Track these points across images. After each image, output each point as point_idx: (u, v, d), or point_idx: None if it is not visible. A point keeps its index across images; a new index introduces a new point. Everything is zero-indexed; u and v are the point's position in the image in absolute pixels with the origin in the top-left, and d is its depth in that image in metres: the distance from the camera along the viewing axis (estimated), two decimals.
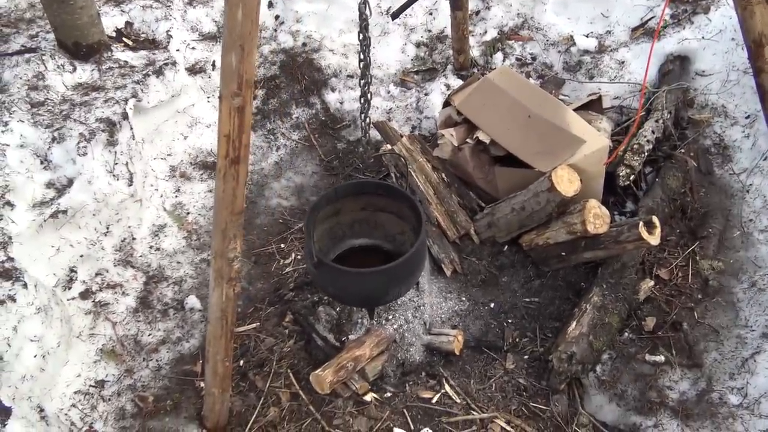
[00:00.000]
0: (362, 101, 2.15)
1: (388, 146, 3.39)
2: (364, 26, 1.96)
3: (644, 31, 3.95)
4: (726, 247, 3.05)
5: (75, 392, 2.66)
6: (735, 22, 3.56)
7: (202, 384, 2.78)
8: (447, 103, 3.55)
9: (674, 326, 2.80)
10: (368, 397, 2.75)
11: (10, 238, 2.65)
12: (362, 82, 2.12)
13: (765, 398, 2.46)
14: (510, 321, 3.01)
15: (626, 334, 2.83)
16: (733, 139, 3.43)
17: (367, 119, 2.21)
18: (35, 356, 2.46)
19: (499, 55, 4.14)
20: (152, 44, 3.94)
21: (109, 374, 2.77)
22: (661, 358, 2.71)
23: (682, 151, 3.37)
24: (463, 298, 3.09)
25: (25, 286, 2.49)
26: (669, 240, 3.11)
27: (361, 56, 2.04)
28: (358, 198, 2.76)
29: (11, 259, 2.57)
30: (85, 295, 2.95)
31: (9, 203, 2.77)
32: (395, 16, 3.48)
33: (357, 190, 2.73)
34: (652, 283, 2.92)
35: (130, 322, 2.96)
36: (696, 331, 2.77)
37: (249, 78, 1.75)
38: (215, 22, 4.30)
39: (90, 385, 2.71)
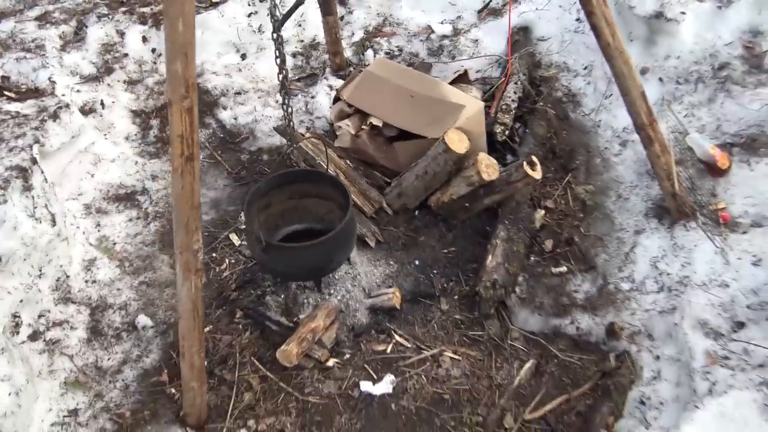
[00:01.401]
0: (282, 93, 2.45)
1: (308, 134, 3.69)
2: (277, 27, 2.28)
3: (488, 12, 4.57)
4: (592, 173, 3.65)
5: (51, 425, 2.72)
6: None
7: (173, 390, 2.95)
8: (337, 99, 3.92)
9: (568, 242, 3.34)
10: (330, 363, 3.04)
11: None
12: (280, 76, 2.43)
13: (647, 279, 3.04)
14: (435, 272, 3.42)
15: (532, 258, 3.34)
16: (578, 87, 4.07)
17: (289, 109, 2.51)
18: (9, 394, 2.51)
19: (369, 53, 4.58)
20: (36, 92, 3.98)
21: (80, 402, 2.85)
22: (564, 269, 3.24)
23: (541, 104, 3.96)
24: (391, 262, 3.46)
25: None
26: (547, 177, 3.66)
27: (277, 53, 2.35)
28: (283, 188, 3.06)
29: None
30: (34, 337, 3.00)
31: None
32: (281, 25, 3.79)
33: (282, 180, 3.02)
34: (542, 212, 3.46)
35: (87, 352, 3.04)
36: (585, 242, 3.33)
37: (193, 81, 2.01)
38: (93, 63, 4.40)
39: (64, 416, 2.78)
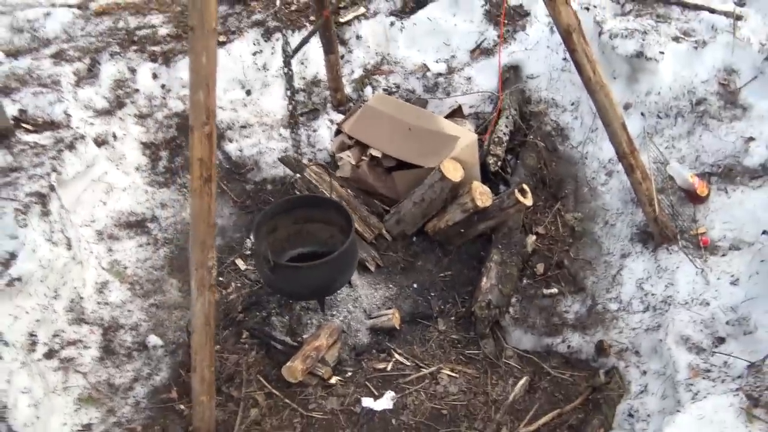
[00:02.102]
0: (291, 122, 2.66)
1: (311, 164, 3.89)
2: (287, 62, 2.49)
3: (480, 52, 4.84)
4: (580, 201, 3.86)
5: None
6: (548, 34, 4.57)
7: (182, 406, 3.08)
8: (338, 131, 4.14)
9: (558, 266, 3.53)
10: (333, 380, 3.18)
11: None
12: (289, 106, 2.64)
13: (634, 299, 3.22)
14: (433, 294, 3.58)
15: (525, 280, 3.52)
16: (565, 122, 4.31)
17: (297, 137, 2.71)
18: (29, 406, 2.64)
19: (368, 89, 4.82)
20: (52, 125, 4.17)
21: (93, 417, 2.97)
22: (555, 291, 3.41)
23: (531, 137, 4.19)
24: (390, 285, 3.63)
25: (7, 344, 2.68)
26: (538, 205, 3.86)
27: (287, 85, 2.57)
28: (289, 213, 3.24)
29: None
30: (49, 355, 3.13)
31: None
32: (293, 55, 4.01)
33: (288, 206, 3.21)
34: (534, 237, 3.65)
35: (100, 370, 3.17)
36: (575, 265, 3.52)
37: (213, 109, 2.22)
38: (105, 98, 4.61)
39: (78, 430, 2.90)
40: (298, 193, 3.84)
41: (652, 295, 3.17)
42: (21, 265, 3.12)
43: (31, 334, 3.11)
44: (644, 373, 2.94)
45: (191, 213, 2.38)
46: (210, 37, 2.11)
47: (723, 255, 3.16)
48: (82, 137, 3.95)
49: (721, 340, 2.81)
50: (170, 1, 5.57)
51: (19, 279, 3.06)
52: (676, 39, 3.93)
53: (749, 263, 3.03)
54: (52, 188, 3.49)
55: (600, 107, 2.86)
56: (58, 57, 4.82)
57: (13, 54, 4.94)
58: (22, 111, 4.27)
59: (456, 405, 3.06)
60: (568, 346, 3.22)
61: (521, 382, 3.13)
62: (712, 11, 4.08)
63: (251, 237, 3.37)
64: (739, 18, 3.88)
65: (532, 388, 3.13)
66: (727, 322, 2.86)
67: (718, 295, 2.98)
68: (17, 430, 2.51)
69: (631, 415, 2.81)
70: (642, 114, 3.90)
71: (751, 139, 3.47)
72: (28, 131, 4.05)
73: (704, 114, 3.69)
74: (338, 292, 3.39)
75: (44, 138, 3.92)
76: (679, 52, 3.87)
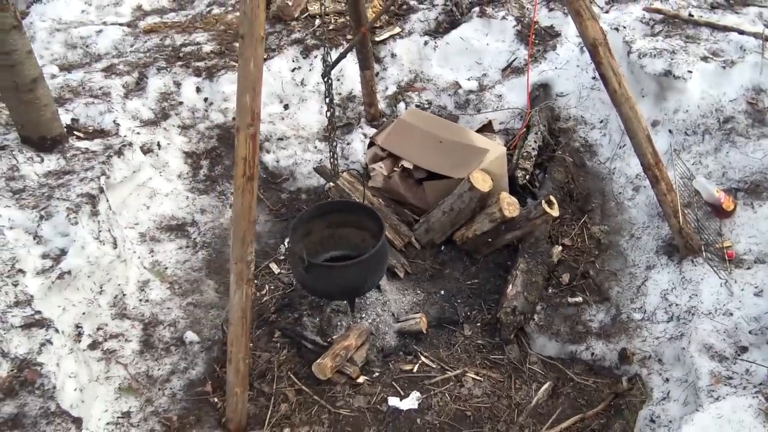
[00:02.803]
0: (329, 128, 2.81)
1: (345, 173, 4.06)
2: (327, 72, 2.66)
3: (511, 71, 4.97)
4: (607, 215, 3.93)
5: (107, 424, 2.99)
6: (578, 54, 4.68)
7: (216, 399, 3.22)
8: (371, 144, 4.30)
9: (583, 276, 3.59)
10: (361, 380, 3.28)
11: (32, 296, 3.02)
12: (328, 113, 2.80)
13: (658, 309, 3.27)
14: (459, 301, 3.68)
15: (550, 289, 3.59)
16: (594, 138, 4.40)
17: (334, 143, 2.87)
18: (75, 389, 2.81)
19: (401, 105, 4.98)
20: (102, 134, 4.42)
21: (132, 406, 3.12)
22: (579, 300, 3.47)
23: (560, 152, 4.29)
24: (418, 291, 3.74)
25: (57, 331, 2.86)
26: (565, 218, 3.95)
27: (326, 93, 2.73)
28: (323, 217, 3.39)
29: (39, 312, 2.93)
30: (93, 346, 3.30)
31: (21, 270, 3.14)
32: (333, 66, 4.18)
33: (322, 210, 3.35)
34: (560, 248, 3.73)
35: (139, 362, 3.33)
36: (600, 276, 3.58)
37: (258, 112, 2.38)
38: (152, 110, 4.86)
39: (118, 417, 3.05)
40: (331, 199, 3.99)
41: (676, 305, 3.22)
42: (70, 260, 3.32)
43: (77, 326, 3.29)
44: (667, 380, 2.98)
45: (233, 209, 2.53)
46: (258, 45, 2.28)
47: (748, 268, 3.20)
48: (130, 145, 4.18)
49: (744, 349, 2.85)
50: (214, 21, 5.87)
51: (68, 273, 3.25)
52: (704, 59, 4.01)
53: None
54: (101, 190, 3.70)
55: (625, 119, 2.96)
56: (109, 71, 5.11)
57: (67, 68, 5.25)
58: (75, 120, 4.54)
59: (480, 407, 3.13)
60: (592, 354, 3.28)
61: (544, 386, 3.19)
62: (741, 32, 4.16)
63: (286, 241, 3.52)
64: None
65: (555, 394, 3.19)
66: (750, 332, 2.89)
67: (741, 306, 3.02)
68: (65, 408, 2.66)
69: (653, 421, 2.85)
70: (670, 131, 3.97)
71: None
72: (80, 138, 4.30)
73: (732, 132, 3.75)
74: (368, 296, 3.51)
75: (95, 145, 4.16)
76: (708, 71, 3.95)
